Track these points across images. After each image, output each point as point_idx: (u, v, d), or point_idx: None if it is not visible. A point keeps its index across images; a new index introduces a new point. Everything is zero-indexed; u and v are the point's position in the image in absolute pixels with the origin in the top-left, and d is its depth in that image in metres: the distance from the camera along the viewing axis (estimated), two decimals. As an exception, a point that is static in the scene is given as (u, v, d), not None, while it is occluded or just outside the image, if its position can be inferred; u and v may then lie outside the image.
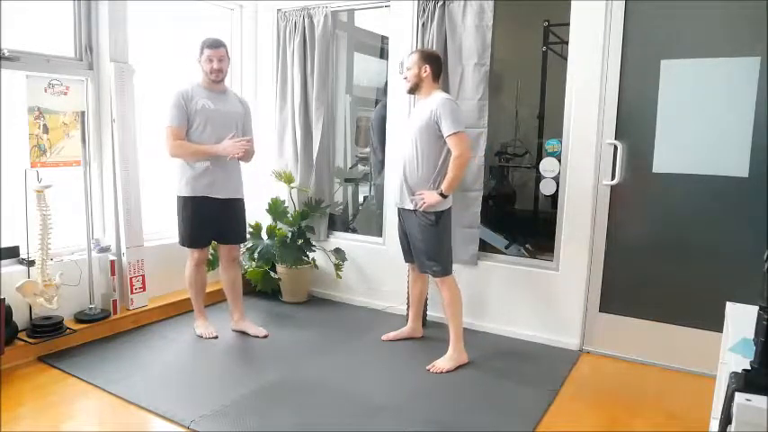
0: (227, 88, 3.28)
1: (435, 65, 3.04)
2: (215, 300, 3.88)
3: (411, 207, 3.01)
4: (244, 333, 3.39)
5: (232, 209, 3.26)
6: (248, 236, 4.00)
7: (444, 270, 3.03)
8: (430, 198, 2.92)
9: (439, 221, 2.99)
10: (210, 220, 3.19)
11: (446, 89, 3.49)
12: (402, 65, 3.65)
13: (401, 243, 3.25)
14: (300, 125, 4.09)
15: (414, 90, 3.06)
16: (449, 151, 2.93)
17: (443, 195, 2.91)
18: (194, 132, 3.09)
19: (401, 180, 3.05)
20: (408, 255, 3.23)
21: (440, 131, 2.89)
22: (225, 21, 4.28)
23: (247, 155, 3.17)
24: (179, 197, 3.19)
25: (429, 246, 3.01)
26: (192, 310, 3.46)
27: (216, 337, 3.32)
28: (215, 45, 3.10)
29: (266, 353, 3.18)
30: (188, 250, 3.28)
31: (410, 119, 3.12)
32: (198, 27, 4.04)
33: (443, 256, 3.03)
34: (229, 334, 3.40)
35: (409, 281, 3.43)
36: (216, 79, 3.11)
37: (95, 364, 2.92)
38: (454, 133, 2.85)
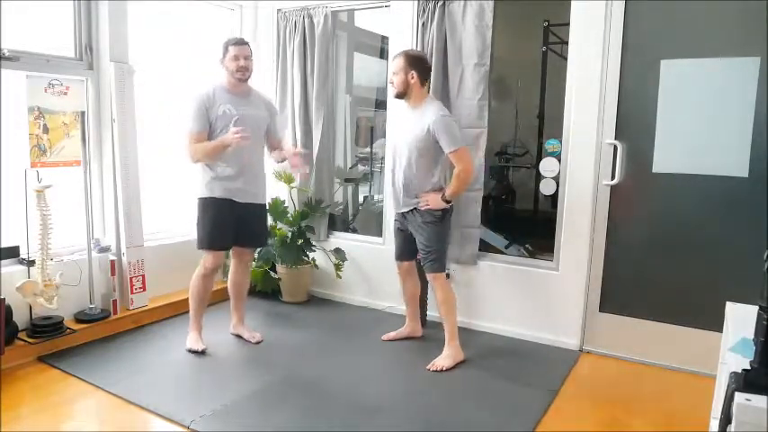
0: (252, 89, 3.16)
1: (422, 69, 2.98)
2: (217, 299, 3.87)
3: (412, 208, 3.04)
4: (240, 337, 3.36)
5: (254, 214, 3.18)
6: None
7: (441, 265, 3.05)
8: (434, 202, 2.96)
9: (443, 218, 3.02)
10: (230, 224, 3.07)
11: (446, 89, 3.49)
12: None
13: (396, 241, 3.26)
14: (300, 125, 4.09)
15: (401, 96, 3.01)
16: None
17: (447, 201, 2.96)
18: (216, 139, 2.96)
19: (398, 186, 3.07)
20: (403, 253, 3.25)
21: (437, 145, 2.90)
22: (225, 21, 4.28)
23: (300, 166, 3.21)
24: (200, 199, 3.08)
25: (431, 241, 3.02)
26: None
27: (203, 352, 3.10)
28: (241, 42, 3.02)
29: (266, 353, 3.18)
30: (196, 255, 3.15)
31: (403, 126, 3.07)
32: (198, 27, 4.05)
33: (442, 252, 3.06)
34: (230, 335, 3.39)
35: (400, 281, 3.41)
36: (242, 78, 3.01)
37: (95, 364, 2.92)
38: (455, 150, 2.87)
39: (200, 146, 2.96)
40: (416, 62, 2.97)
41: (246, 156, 3.02)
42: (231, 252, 3.36)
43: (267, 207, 3.32)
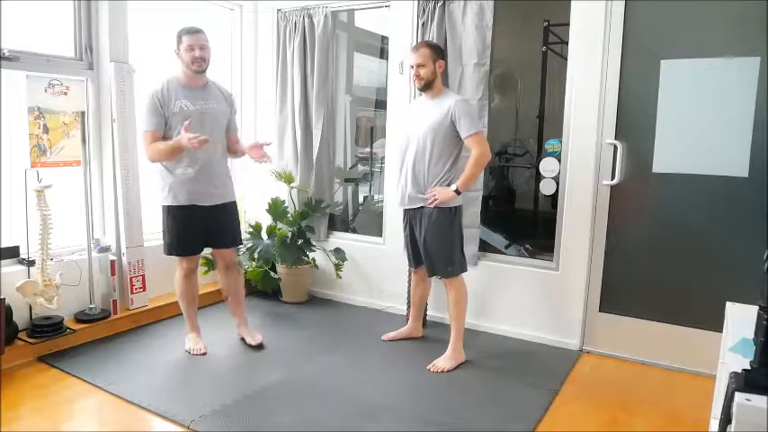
0: (209, 80, 3.00)
1: (445, 58, 3.02)
2: (215, 299, 3.87)
3: (421, 205, 2.96)
4: (242, 339, 3.30)
5: (222, 214, 3.03)
6: (248, 235, 4.01)
7: (460, 268, 3.00)
8: (443, 195, 2.87)
9: (455, 217, 2.96)
10: (198, 228, 2.98)
11: (446, 89, 3.49)
12: (401, 65, 3.65)
13: (408, 248, 3.17)
14: (300, 125, 4.09)
15: (427, 87, 2.95)
16: (460, 149, 2.93)
17: (458, 192, 2.88)
18: (174, 136, 2.81)
19: (408, 180, 2.99)
20: (416, 260, 3.15)
21: (455, 132, 2.86)
22: (225, 21, 4.27)
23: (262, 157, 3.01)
24: (163, 206, 2.97)
25: (445, 244, 2.95)
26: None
27: (204, 354, 3.10)
28: (194, 31, 2.85)
29: (266, 353, 3.18)
30: (176, 259, 3.08)
31: (416, 117, 3.01)
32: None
33: (459, 253, 3.00)
34: (229, 334, 3.38)
35: (411, 284, 3.42)
36: (198, 69, 2.85)
37: (95, 364, 2.92)
38: (474, 133, 2.83)
39: (156, 146, 2.81)
40: (441, 51, 3.02)
41: (207, 154, 2.87)
42: (214, 256, 3.28)
43: (236, 203, 3.16)
